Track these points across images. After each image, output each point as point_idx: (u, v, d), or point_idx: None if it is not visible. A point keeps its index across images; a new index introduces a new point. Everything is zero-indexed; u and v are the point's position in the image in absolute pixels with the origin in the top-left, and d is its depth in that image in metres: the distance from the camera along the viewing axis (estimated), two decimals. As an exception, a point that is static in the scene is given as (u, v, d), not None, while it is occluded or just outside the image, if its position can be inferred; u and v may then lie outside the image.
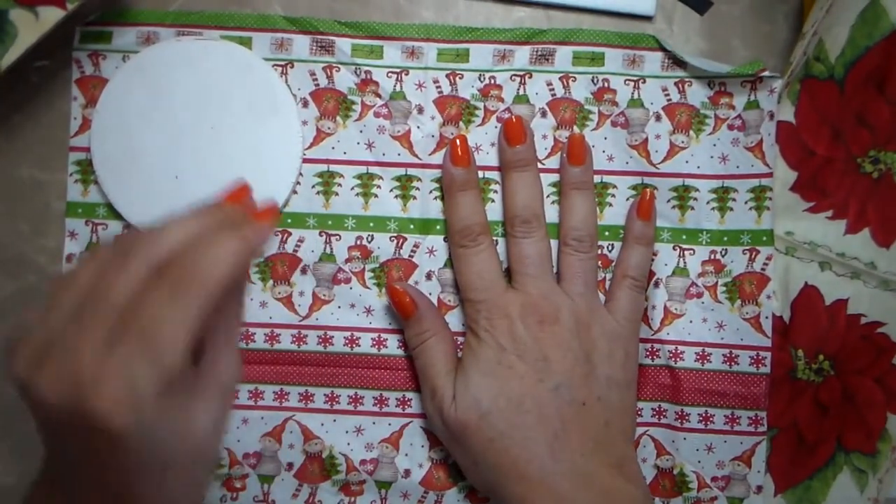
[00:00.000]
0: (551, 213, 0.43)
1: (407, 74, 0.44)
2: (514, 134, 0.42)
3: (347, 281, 0.44)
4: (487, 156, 0.44)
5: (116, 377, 0.25)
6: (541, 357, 0.39)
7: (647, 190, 0.43)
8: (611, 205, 0.44)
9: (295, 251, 0.44)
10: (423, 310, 0.41)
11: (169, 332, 0.26)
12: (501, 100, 0.44)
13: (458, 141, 0.42)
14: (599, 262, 0.44)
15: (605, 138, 0.44)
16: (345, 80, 0.44)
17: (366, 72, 0.43)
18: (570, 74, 0.44)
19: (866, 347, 0.43)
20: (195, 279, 0.27)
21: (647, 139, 0.44)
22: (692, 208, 0.44)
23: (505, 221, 0.43)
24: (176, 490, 0.29)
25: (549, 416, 0.38)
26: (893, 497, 0.43)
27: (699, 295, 0.44)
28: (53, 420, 0.27)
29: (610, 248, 0.44)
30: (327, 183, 0.44)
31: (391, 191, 0.44)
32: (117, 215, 0.43)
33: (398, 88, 0.44)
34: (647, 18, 0.44)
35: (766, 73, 0.43)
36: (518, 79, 0.44)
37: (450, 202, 0.42)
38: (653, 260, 0.44)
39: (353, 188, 0.44)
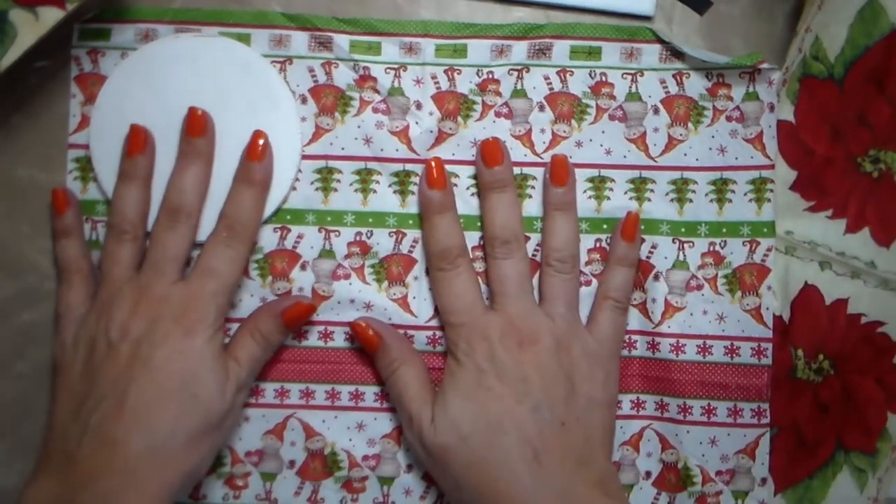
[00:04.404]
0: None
1: (405, 70, 0.44)
2: (491, 155, 0.42)
3: (347, 277, 0.44)
4: (486, 150, 0.44)
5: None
6: (520, 378, 0.39)
7: (632, 213, 0.43)
8: (609, 198, 0.44)
9: (294, 247, 0.44)
10: (388, 340, 0.42)
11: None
12: (499, 94, 0.44)
13: (433, 163, 0.42)
14: (598, 256, 0.44)
15: (603, 132, 0.44)
16: (343, 76, 0.44)
17: (364, 68, 0.44)
18: (568, 68, 0.44)
19: (866, 347, 0.43)
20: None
21: (645, 133, 0.44)
22: (690, 201, 0.44)
23: (484, 242, 0.43)
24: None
25: (529, 437, 0.38)
26: (893, 497, 0.43)
27: (699, 287, 0.44)
28: None
29: (609, 240, 0.44)
30: (326, 179, 0.44)
31: (390, 186, 0.44)
32: (117, 213, 0.43)
33: (396, 84, 0.44)
34: (647, 18, 0.44)
35: (765, 66, 0.43)
36: (516, 73, 0.44)
37: (427, 225, 0.42)
38: (651, 255, 0.44)
39: (351, 184, 0.44)
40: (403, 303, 0.44)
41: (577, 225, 0.43)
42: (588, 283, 0.44)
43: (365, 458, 0.43)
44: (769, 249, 0.43)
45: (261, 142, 0.41)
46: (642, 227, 0.44)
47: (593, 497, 0.38)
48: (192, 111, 0.41)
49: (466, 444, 0.38)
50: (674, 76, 0.44)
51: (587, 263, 0.44)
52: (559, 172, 0.42)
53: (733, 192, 0.44)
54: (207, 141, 0.42)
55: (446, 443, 0.38)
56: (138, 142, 0.41)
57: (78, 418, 0.37)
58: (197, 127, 0.41)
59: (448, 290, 0.41)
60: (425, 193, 0.42)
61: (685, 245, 0.44)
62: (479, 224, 0.44)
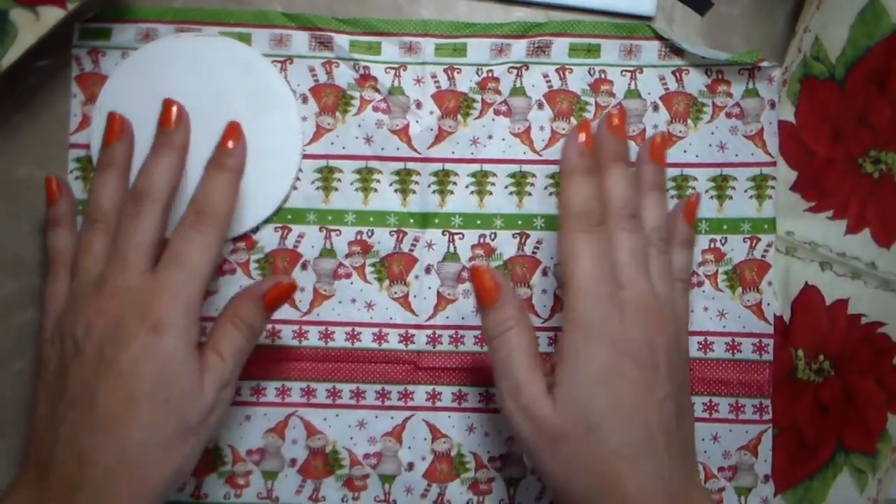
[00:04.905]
0: (550, 206, 0.44)
1: (405, 70, 0.44)
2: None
3: (348, 276, 0.44)
4: (485, 148, 0.44)
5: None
6: (652, 364, 0.35)
7: (692, 195, 0.43)
8: None
9: (295, 247, 0.44)
10: (507, 295, 0.37)
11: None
12: (499, 92, 0.44)
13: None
14: None
15: None
16: (344, 75, 0.44)
17: (364, 67, 0.44)
18: (567, 66, 0.44)
19: (867, 348, 0.43)
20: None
21: (644, 129, 0.44)
22: (691, 198, 0.44)
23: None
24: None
25: (656, 431, 0.35)
26: (893, 497, 0.43)
27: (700, 284, 0.44)
28: None
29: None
30: (327, 178, 0.44)
31: (390, 185, 0.44)
32: (117, 212, 0.43)
33: (396, 84, 0.44)
34: (648, 19, 0.44)
35: (765, 63, 0.43)
36: (515, 71, 0.44)
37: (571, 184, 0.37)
38: None
39: (352, 183, 0.44)
40: (405, 301, 0.44)
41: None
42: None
43: (366, 456, 0.43)
44: (769, 245, 0.43)
45: (234, 130, 0.40)
46: None
47: (706, 497, 0.36)
48: (166, 103, 0.40)
49: (595, 434, 0.34)
50: (673, 73, 0.44)
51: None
52: (659, 151, 0.41)
53: (734, 188, 0.44)
54: (181, 133, 0.40)
55: (569, 429, 0.34)
56: (114, 129, 0.40)
57: (51, 424, 0.35)
58: (170, 118, 0.40)
59: (588, 252, 0.36)
60: (571, 153, 0.37)
61: (686, 242, 0.44)
62: (478, 222, 0.44)
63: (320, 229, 0.44)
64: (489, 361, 0.37)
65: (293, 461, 0.43)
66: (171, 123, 0.40)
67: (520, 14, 0.45)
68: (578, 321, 0.35)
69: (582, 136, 0.37)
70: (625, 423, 0.34)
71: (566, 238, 0.36)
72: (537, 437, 0.35)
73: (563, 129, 0.44)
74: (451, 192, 0.44)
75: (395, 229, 0.44)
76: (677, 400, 0.36)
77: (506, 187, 0.44)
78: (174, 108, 0.40)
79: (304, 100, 0.44)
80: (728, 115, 0.44)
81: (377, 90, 0.44)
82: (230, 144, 0.39)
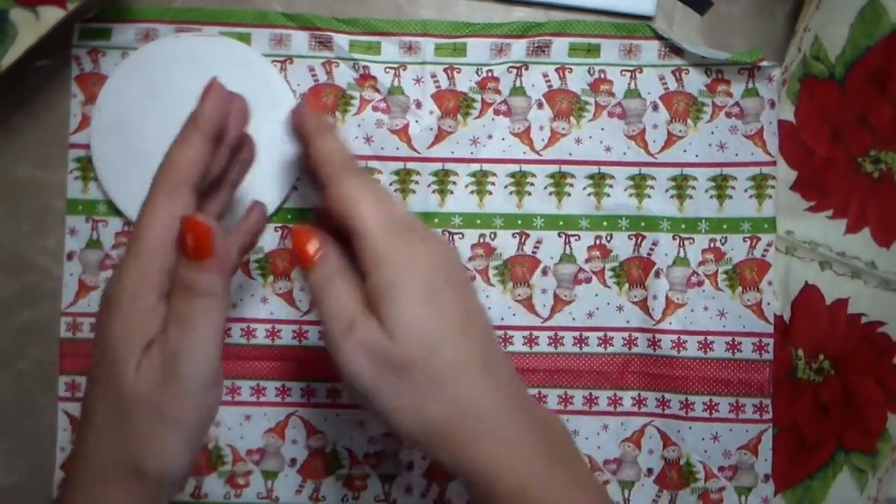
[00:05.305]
0: (549, 206, 0.44)
1: (405, 70, 0.44)
2: None
3: (348, 275, 0.44)
4: (485, 148, 0.44)
5: None
6: (461, 276, 0.36)
7: None
8: (608, 195, 0.44)
9: (295, 246, 0.44)
10: (326, 254, 0.36)
11: None
12: (498, 92, 0.44)
13: None
14: (598, 253, 0.44)
15: (602, 129, 0.44)
16: (343, 75, 0.44)
17: (364, 67, 0.44)
18: (567, 66, 0.44)
19: (866, 347, 0.43)
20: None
21: (644, 129, 0.44)
22: (691, 197, 0.44)
23: None
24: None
25: (491, 340, 0.36)
26: (893, 497, 0.43)
27: (700, 283, 0.44)
28: None
29: (608, 237, 0.44)
30: (327, 178, 0.44)
31: (390, 185, 0.44)
32: (117, 212, 0.43)
33: (396, 83, 0.44)
34: (648, 19, 0.44)
35: (765, 63, 0.43)
36: (515, 70, 0.44)
37: None
38: (651, 252, 0.44)
39: (352, 183, 0.44)
40: (404, 301, 0.44)
41: None
42: (588, 281, 0.44)
43: (366, 455, 0.43)
44: (769, 245, 0.43)
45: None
46: (643, 224, 0.44)
47: (538, 406, 0.37)
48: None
49: (439, 353, 0.33)
50: (673, 73, 0.44)
51: (587, 261, 0.44)
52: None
53: (733, 188, 0.44)
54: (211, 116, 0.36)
55: (412, 353, 0.33)
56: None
57: None
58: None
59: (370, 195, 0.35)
60: None
61: (685, 242, 0.44)
62: (478, 221, 0.44)
63: (320, 229, 0.44)
64: (318, 314, 0.36)
65: (293, 461, 0.43)
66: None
67: (520, 14, 0.45)
68: (384, 258, 0.34)
69: None
70: (463, 336, 0.34)
71: (344, 186, 0.35)
72: (379, 371, 0.33)
73: (563, 128, 0.44)
74: (451, 192, 0.44)
75: (394, 229, 0.44)
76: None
77: (505, 187, 0.44)
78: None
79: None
80: (728, 115, 0.44)
81: (377, 90, 0.44)
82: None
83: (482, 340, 0.35)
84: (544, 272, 0.44)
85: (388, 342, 0.33)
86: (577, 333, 0.44)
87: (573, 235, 0.44)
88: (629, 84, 0.44)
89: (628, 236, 0.44)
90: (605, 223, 0.44)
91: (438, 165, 0.44)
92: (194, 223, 0.33)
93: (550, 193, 0.44)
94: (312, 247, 0.36)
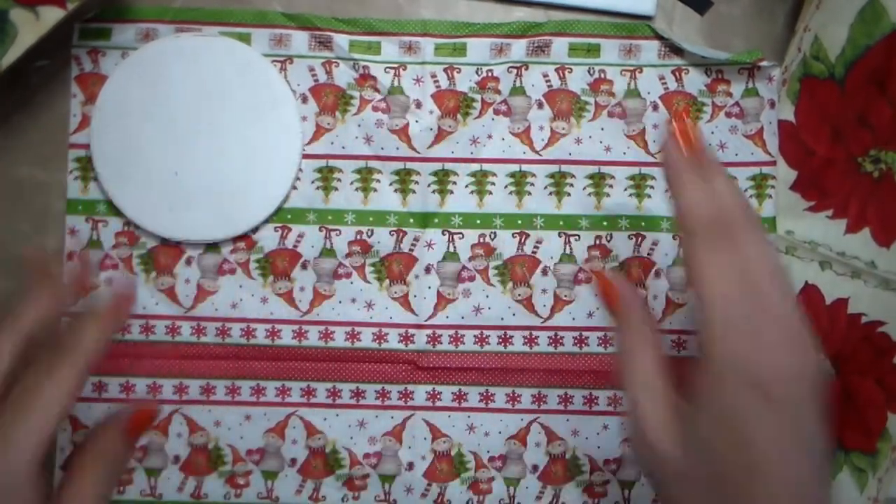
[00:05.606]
0: (549, 206, 0.44)
1: (405, 69, 0.44)
2: None
3: (348, 276, 0.44)
4: (485, 148, 0.44)
5: None
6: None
7: None
8: (608, 195, 0.44)
9: (295, 247, 0.44)
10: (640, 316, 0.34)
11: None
12: (498, 92, 0.44)
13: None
14: (598, 253, 0.44)
15: (602, 129, 0.44)
16: (343, 75, 0.44)
17: (364, 67, 0.44)
18: (567, 65, 0.44)
19: (866, 347, 0.43)
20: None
21: (644, 129, 0.44)
22: (691, 197, 0.44)
23: None
24: None
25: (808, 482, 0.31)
26: (893, 497, 0.43)
27: (700, 283, 0.44)
28: None
29: (608, 237, 0.44)
30: (326, 178, 0.44)
31: (390, 185, 0.44)
32: (117, 212, 0.43)
33: (396, 83, 0.44)
34: (648, 19, 0.44)
35: (765, 63, 0.43)
36: (514, 70, 0.44)
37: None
38: (651, 252, 0.44)
39: (352, 183, 0.44)
40: (404, 301, 0.44)
41: None
42: (589, 281, 0.44)
43: (366, 455, 0.43)
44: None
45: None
46: (643, 224, 0.44)
47: None
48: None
49: (727, 482, 0.30)
50: (673, 72, 0.44)
51: (586, 261, 0.44)
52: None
53: (733, 188, 0.44)
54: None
55: (694, 472, 0.30)
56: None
57: None
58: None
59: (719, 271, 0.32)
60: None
61: (685, 242, 0.44)
62: (478, 221, 0.44)
63: (320, 229, 0.44)
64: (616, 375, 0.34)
65: (293, 461, 0.43)
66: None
67: (520, 14, 0.45)
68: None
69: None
70: (767, 472, 0.30)
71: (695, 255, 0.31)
72: (660, 472, 0.32)
73: (563, 128, 0.44)
74: (451, 192, 0.44)
75: (394, 229, 0.44)
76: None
77: (505, 187, 0.44)
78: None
79: (304, 99, 0.44)
80: (728, 115, 0.44)
81: (377, 90, 0.44)
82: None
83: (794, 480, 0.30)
84: (544, 272, 0.44)
85: (672, 450, 0.31)
86: (577, 333, 0.44)
87: (573, 235, 0.44)
88: (629, 84, 0.44)
89: (628, 236, 0.44)
90: (605, 223, 0.44)
91: (438, 165, 0.44)
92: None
93: (550, 193, 0.44)
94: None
